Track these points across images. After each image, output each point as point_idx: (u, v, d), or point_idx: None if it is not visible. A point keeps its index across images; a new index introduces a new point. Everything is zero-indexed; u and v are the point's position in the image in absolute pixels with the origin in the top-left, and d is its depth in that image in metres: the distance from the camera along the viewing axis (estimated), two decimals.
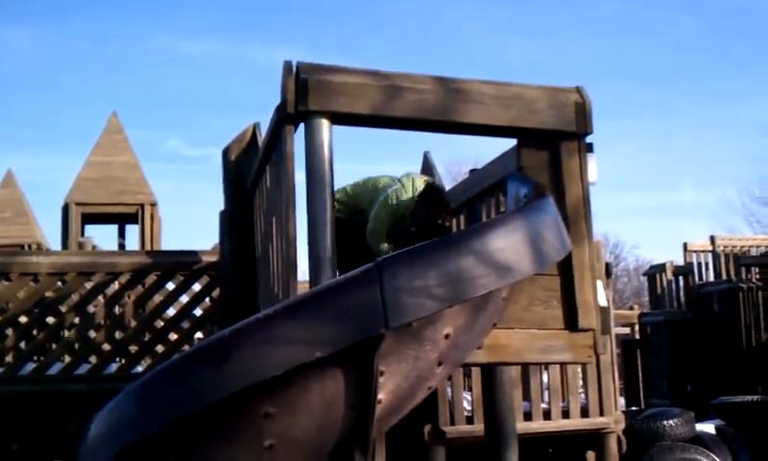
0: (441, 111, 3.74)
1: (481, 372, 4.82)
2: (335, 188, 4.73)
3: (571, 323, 3.67)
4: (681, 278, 12.65)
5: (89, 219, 13.80)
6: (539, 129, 3.88)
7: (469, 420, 5.50)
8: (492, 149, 4.83)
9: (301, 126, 3.56)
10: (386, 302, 2.33)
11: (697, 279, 12.57)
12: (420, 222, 5.38)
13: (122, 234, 14.82)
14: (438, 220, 5.30)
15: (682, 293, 12.56)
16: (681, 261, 12.98)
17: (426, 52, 44.10)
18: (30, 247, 13.57)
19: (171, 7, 53.26)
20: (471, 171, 6.11)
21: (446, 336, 2.61)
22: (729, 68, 47.75)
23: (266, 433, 2.38)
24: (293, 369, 2.26)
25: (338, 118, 3.58)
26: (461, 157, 29.13)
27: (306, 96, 3.48)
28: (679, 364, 11.05)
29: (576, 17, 49.82)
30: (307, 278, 3.45)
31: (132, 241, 14.29)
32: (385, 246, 5.45)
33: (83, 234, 13.27)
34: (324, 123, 3.52)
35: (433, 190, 5.52)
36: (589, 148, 3.96)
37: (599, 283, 3.83)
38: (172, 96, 54.17)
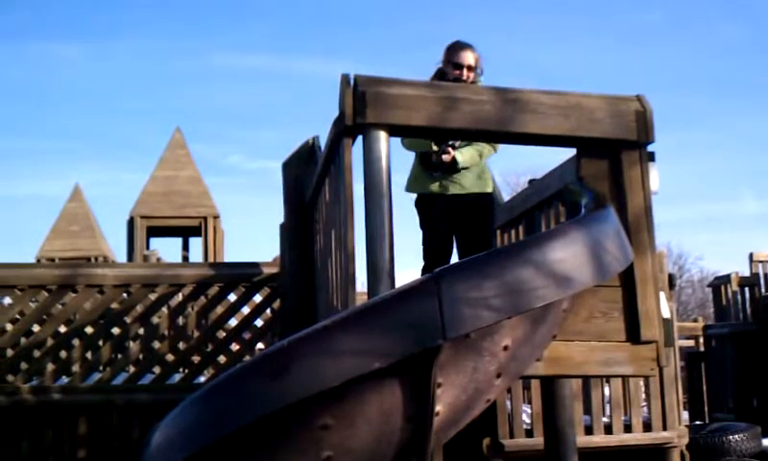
0: (498, 122, 3.73)
1: (541, 384, 4.77)
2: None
3: (633, 335, 3.61)
4: (746, 289, 12.34)
5: (154, 232, 14.08)
6: (598, 138, 3.83)
7: (529, 433, 5.45)
8: (549, 159, 4.80)
9: (359, 138, 3.59)
10: (444, 312, 2.32)
11: (763, 290, 12.26)
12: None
13: (186, 247, 15.09)
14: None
15: (747, 304, 12.25)
16: (746, 272, 12.69)
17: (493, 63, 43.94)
18: (96, 259, 13.92)
19: (227, 22, 54.11)
20: (531, 181, 6.06)
21: (505, 348, 2.60)
22: None
23: (324, 444, 2.39)
24: (351, 380, 2.27)
25: (395, 130, 3.60)
26: (518, 168, 28.97)
27: (364, 109, 3.50)
28: (744, 377, 10.79)
29: (629, 27, 49.10)
30: (366, 289, 3.47)
31: (196, 253, 14.54)
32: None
33: (147, 247, 13.54)
34: (382, 135, 3.53)
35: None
36: (651, 157, 3.91)
37: (662, 295, 3.77)
38: (233, 111, 54.95)
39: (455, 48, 5.54)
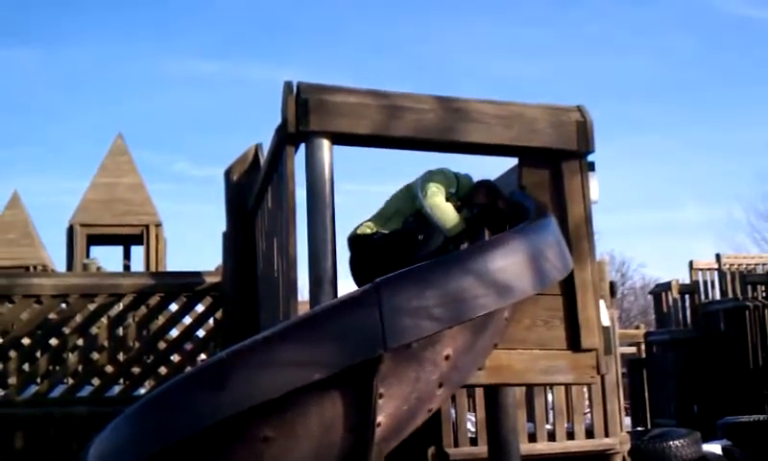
0: (441, 131, 3.74)
1: (484, 393, 4.79)
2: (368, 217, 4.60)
3: (574, 343, 3.64)
4: (686, 296, 12.57)
5: (94, 240, 13.83)
6: (540, 147, 3.87)
7: (473, 441, 5.46)
8: (490, 170, 4.73)
9: (302, 146, 3.57)
10: (384, 323, 2.32)
11: (703, 297, 12.49)
12: (481, 207, 4.49)
13: (127, 255, 14.84)
14: (498, 204, 4.41)
15: (688, 311, 12.48)
16: (687, 280, 12.92)
17: (432, 75, 44.12)
18: (35, 268, 13.61)
19: (180, 28, 53.43)
20: None
21: (447, 357, 2.60)
22: (734, 86, 47.68)
23: (264, 457, 2.36)
24: (291, 391, 2.25)
25: (338, 138, 3.59)
26: None
27: (307, 116, 3.49)
28: (685, 383, 10.98)
29: (579, 38, 49.87)
30: (308, 298, 3.44)
31: (138, 262, 14.31)
32: (458, 219, 4.40)
33: (88, 256, 13.29)
34: (325, 143, 3.52)
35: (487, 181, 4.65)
36: (591, 166, 3.96)
37: (602, 303, 3.81)
38: (181, 117, 54.21)
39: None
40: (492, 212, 4.41)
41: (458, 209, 4.33)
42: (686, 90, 48.67)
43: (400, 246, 4.41)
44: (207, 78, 52.11)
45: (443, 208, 4.31)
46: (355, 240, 4.57)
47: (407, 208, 4.51)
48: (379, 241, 4.49)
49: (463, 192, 4.47)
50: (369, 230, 4.55)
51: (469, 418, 5.67)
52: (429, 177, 4.48)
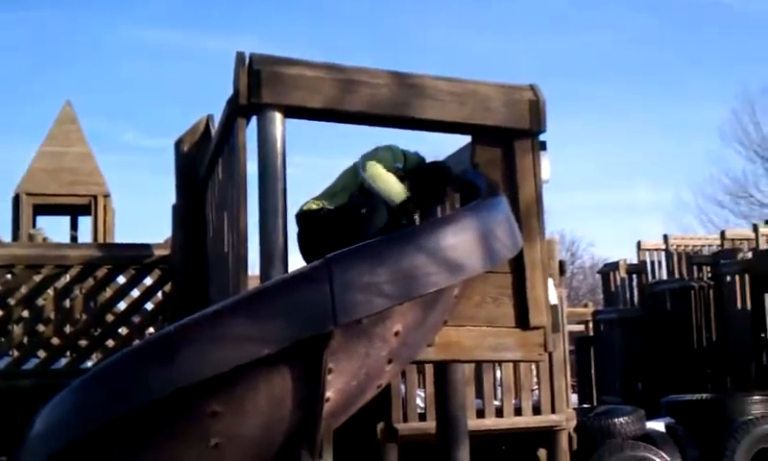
0: (395, 106, 3.73)
1: (434, 369, 4.82)
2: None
3: (522, 320, 3.68)
4: (634, 276, 12.77)
5: (41, 210, 13.55)
6: (493, 126, 3.89)
7: (422, 417, 5.50)
8: (442, 148, 4.72)
9: (254, 119, 3.53)
10: (335, 298, 2.31)
11: (650, 277, 12.70)
12: (424, 184, 4.54)
13: (74, 226, 14.59)
14: (439, 191, 4.57)
15: (635, 291, 12.68)
16: (635, 260, 13.12)
17: (384, 47, 43.90)
18: None
19: None
20: None
21: (396, 334, 2.60)
22: (683, 67, 48.24)
23: (212, 432, 2.35)
24: (240, 366, 2.23)
25: (291, 111, 3.55)
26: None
27: (259, 88, 3.45)
28: (631, 362, 11.16)
29: (529, 16, 49.99)
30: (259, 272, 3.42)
31: (85, 233, 14.09)
32: (401, 188, 4.39)
33: (34, 226, 13.04)
34: (278, 116, 3.49)
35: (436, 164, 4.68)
36: (543, 146, 3.99)
37: (550, 281, 3.85)
38: (131, 87, 53.26)
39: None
40: (436, 180, 4.44)
41: (401, 179, 4.36)
42: (637, 70, 49.09)
43: (346, 221, 4.42)
44: (159, 47, 51.21)
45: (384, 179, 4.34)
46: (303, 216, 4.58)
47: (353, 184, 4.53)
48: (325, 217, 4.50)
49: (410, 167, 4.51)
50: (315, 207, 4.55)
51: (419, 394, 5.70)
52: (373, 153, 4.50)
